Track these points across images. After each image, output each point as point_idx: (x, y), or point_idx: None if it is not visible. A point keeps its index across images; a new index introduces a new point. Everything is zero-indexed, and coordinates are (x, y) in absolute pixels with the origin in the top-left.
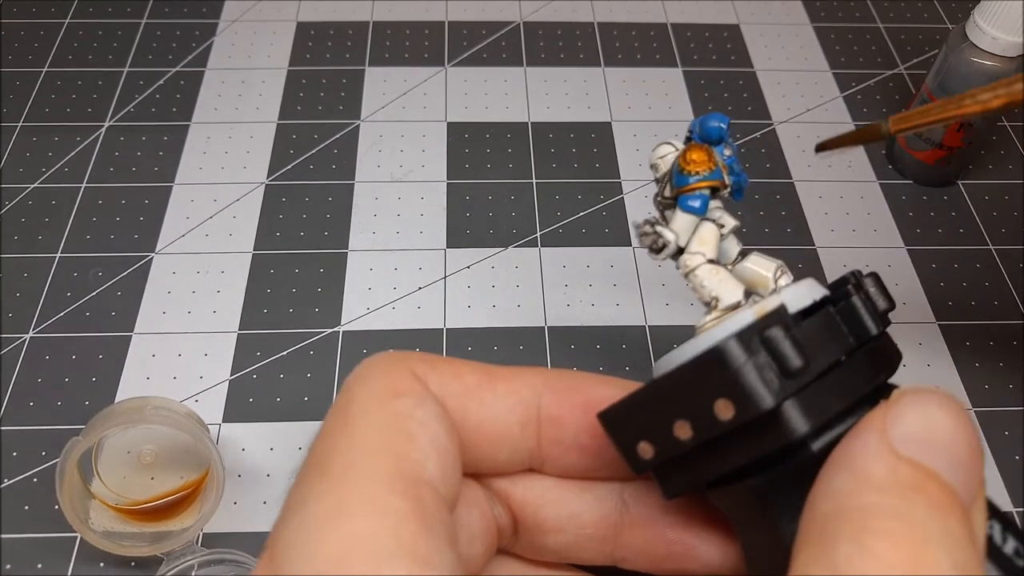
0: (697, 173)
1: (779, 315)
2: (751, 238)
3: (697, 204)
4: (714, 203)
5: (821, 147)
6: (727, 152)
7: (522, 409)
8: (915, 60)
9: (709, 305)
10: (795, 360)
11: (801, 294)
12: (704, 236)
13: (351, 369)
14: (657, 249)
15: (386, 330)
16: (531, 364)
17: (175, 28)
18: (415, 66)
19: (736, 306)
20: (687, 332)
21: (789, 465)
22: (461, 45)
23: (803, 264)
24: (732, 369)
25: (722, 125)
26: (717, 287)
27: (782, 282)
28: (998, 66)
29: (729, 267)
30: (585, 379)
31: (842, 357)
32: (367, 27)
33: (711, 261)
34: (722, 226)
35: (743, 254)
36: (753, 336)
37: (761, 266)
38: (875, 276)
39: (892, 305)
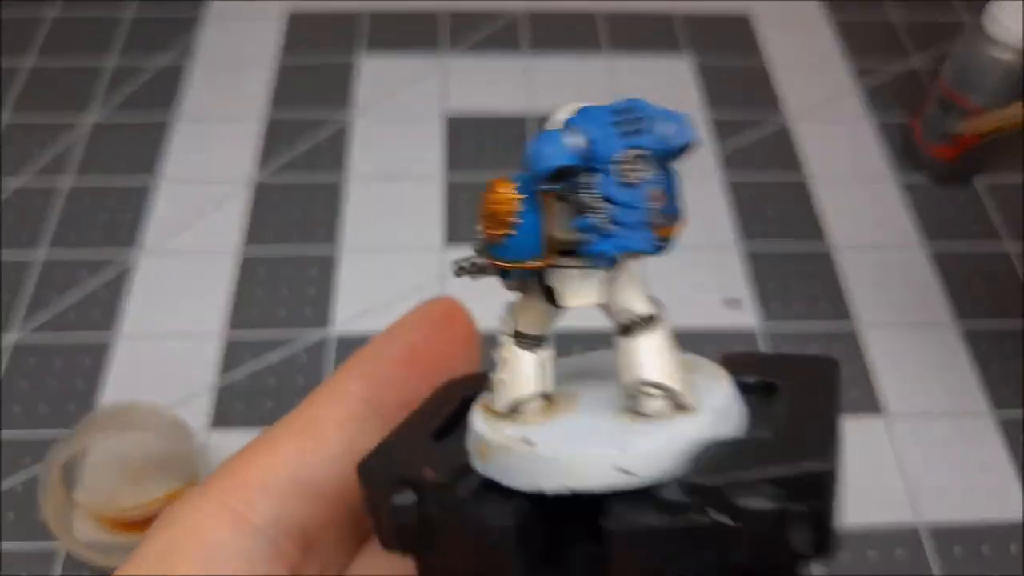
0: (491, 238)
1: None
2: (755, 241)
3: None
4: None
5: (964, 132)
6: (619, 176)
7: (366, 411)
8: (931, 53)
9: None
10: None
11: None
12: (520, 305)
13: None
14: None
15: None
16: None
17: (161, 20)
18: (412, 58)
19: (503, 415)
20: (688, 335)
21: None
22: (460, 36)
23: (817, 267)
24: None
25: (556, 159)
26: (503, 383)
27: (646, 408)
28: (1015, 60)
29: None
30: (392, 337)
31: None
32: (362, 16)
33: (523, 340)
34: (548, 293)
35: (646, 323)
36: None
37: (627, 362)
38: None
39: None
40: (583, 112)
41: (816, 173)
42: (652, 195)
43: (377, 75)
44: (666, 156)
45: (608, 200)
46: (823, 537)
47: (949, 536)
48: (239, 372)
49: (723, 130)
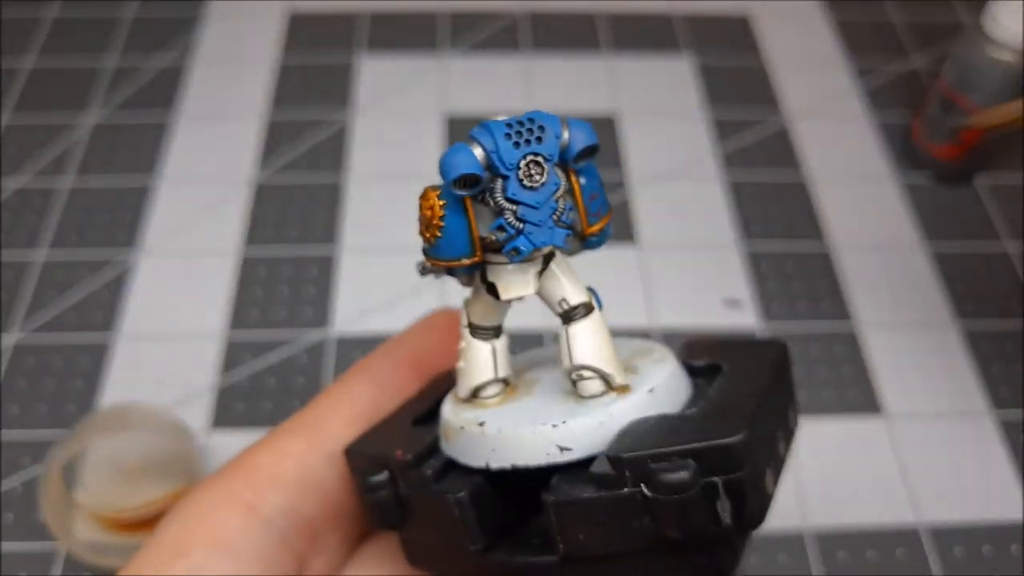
0: (425, 240)
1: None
2: (755, 240)
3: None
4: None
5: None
6: (539, 175)
7: (372, 411)
8: (931, 53)
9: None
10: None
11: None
12: (471, 300)
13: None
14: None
15: (382, 332)
16: None
17: (161, 20)
18: (412, 58)
19: (466, 401)
20: (688, 335)
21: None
22: (460, 36)
23: (817, 267)
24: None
25: (460, 168)
26: (462, 370)
27: (584, 390)
28: (1015, 60)
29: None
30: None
31: None
32: (362, 16)
33: (477, 331)
34: (491, 288)
35: (581, 311)
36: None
37: (565, 348)
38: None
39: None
40: (483, 125)
41: (816, 173)
42: (556, 196)
43: (377, 75)
44: (570, 159)
45: (514, 201)
46: (741, 508)
47: (949, 536)
48: (239, 372)
49: (723, 130)
